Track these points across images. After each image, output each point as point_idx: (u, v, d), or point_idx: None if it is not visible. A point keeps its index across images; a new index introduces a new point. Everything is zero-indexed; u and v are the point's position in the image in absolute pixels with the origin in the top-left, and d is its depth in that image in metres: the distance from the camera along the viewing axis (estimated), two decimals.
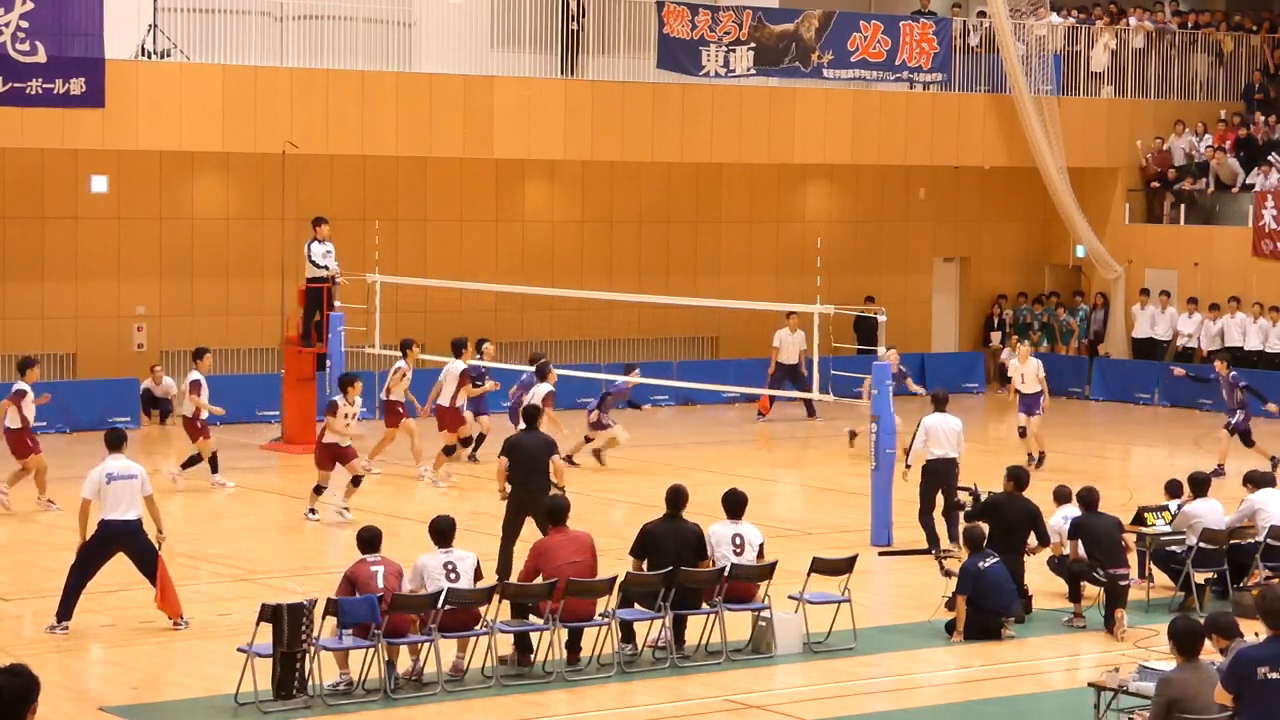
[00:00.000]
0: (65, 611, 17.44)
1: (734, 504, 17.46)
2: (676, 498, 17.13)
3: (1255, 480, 20.05)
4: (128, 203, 32.04)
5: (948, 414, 21.76)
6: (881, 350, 23.28)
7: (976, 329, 39.73)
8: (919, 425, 21.68)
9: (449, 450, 26.51)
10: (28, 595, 19.07)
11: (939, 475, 21.46)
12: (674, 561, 16.69)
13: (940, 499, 21.59)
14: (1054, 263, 40.13)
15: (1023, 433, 28.51)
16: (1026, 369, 28.39)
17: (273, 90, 30.96)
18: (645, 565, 16.90)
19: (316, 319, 28.77)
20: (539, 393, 25.71)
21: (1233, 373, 27.89)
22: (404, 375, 26.67)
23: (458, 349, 27.00)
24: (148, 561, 17.51)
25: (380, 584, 15.63)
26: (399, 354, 27.20)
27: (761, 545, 17.37)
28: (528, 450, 19.15)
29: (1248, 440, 27.44)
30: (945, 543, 21.26)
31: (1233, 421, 27.50)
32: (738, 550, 17.14)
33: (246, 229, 32.76)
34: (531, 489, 18.89)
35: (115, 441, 17.79)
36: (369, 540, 16.02)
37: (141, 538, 17.47)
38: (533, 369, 26.81)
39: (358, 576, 15.72)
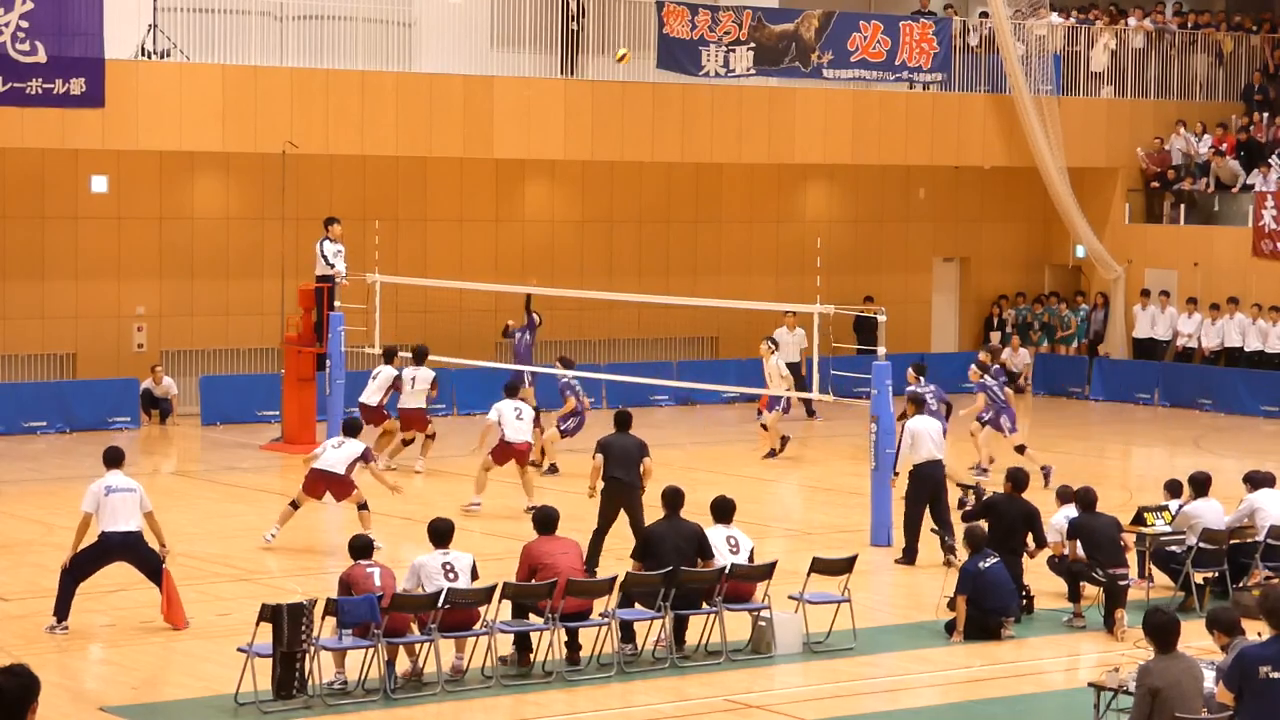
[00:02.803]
0: (63, 611, 17.43)
1: (723, 510, 17.65)
2: (674, 498, 17.26)
3: (1254, 480, 20.04)
4: (128, 203, 32.04)
5: (928, 416, 21.56)
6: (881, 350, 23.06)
7: (976, 329, 39.70)
8: (904, 430, 21.23)
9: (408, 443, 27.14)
10: (28, 595, 19.06)
11: (929, 480, 20.92)
12: (675, 560, 16.72)
13: (931, 507, 21.02)
14: (1054, 263, 40.12)
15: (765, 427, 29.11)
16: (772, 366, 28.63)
17: (273, 90, 30.95)
18: (646, 567, 16.93)
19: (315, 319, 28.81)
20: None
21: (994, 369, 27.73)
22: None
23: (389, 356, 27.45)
24: (152, 568, 17.51)
25: (377, 583, 15.65)
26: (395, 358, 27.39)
27: (752, 551, 17.45)
28: (621, 448, 19.96)
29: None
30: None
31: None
32: (733, 549, 17.24)
33: (246, 229, 32.76)
34: (627, 482, 19.75)
35: (113, 460, 17.74)
36: (362, 548, 16.07)
37: (143, 548, 17.45)
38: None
39: (353, 579, 15.73)
